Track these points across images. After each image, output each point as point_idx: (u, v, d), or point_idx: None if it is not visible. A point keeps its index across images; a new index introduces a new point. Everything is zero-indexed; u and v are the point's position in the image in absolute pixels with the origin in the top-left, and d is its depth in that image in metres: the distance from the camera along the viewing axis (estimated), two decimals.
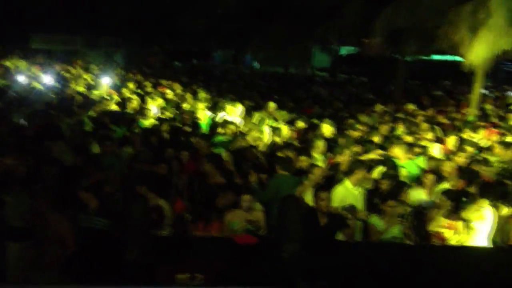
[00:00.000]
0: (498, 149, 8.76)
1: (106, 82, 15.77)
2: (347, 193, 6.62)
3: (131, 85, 15.83)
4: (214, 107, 12.37)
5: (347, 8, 16.32)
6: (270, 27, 19.73)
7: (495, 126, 11.69)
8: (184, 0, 23.42)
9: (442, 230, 5.90)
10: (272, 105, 11.97)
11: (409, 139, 9.43)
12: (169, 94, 14.54)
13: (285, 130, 10.02)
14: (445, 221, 5.96)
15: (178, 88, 15.81)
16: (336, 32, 18.44)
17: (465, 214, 5.96)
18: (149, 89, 15.69)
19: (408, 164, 8.02)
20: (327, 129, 9.85)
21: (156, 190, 5.84)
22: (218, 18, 22.68)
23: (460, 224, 5.93)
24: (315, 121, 10.77)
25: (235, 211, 5.90)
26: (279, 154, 7.96)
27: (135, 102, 12.25)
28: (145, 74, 21.06)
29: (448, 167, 7.47)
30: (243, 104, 12.51)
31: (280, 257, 4.48)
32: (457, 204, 6.08)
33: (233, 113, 11.55)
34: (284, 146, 8.61)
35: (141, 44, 28.37)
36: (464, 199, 6.08)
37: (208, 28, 23.35)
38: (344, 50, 30.20)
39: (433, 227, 5.96)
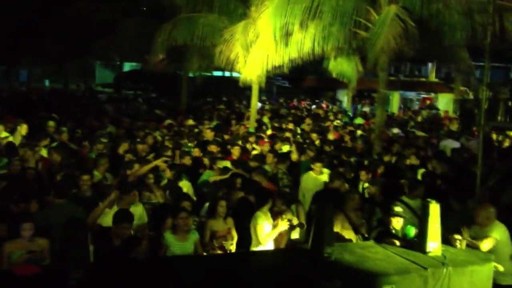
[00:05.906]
0: (270, 159, 9.60)
1: None
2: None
3: None
4: None
5: (123, 23, 16.23)
6: (43, 42, 18.49)
7: (271, 136, 12.81)
8: None
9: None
10: (51, 123, 11.23)
11: (196, 152, 9.87)
12: None
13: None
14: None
15: None
16: (115, 48, 18.15)
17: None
18: None
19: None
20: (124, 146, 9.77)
21: None
22: None
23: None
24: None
25: (15, 241, 5.38)
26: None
27: None
28: None
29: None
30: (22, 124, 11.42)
31: (67, 285, 4.23)
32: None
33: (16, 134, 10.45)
34: (64, 167, 8.14)
35: None
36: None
37: None
38: (128, 66, 29.98)
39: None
